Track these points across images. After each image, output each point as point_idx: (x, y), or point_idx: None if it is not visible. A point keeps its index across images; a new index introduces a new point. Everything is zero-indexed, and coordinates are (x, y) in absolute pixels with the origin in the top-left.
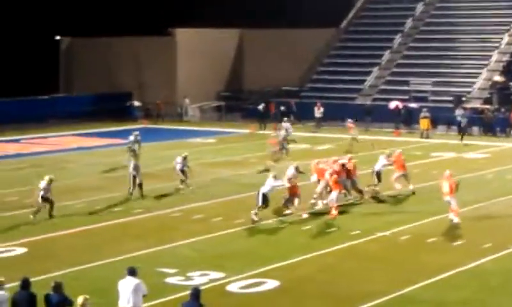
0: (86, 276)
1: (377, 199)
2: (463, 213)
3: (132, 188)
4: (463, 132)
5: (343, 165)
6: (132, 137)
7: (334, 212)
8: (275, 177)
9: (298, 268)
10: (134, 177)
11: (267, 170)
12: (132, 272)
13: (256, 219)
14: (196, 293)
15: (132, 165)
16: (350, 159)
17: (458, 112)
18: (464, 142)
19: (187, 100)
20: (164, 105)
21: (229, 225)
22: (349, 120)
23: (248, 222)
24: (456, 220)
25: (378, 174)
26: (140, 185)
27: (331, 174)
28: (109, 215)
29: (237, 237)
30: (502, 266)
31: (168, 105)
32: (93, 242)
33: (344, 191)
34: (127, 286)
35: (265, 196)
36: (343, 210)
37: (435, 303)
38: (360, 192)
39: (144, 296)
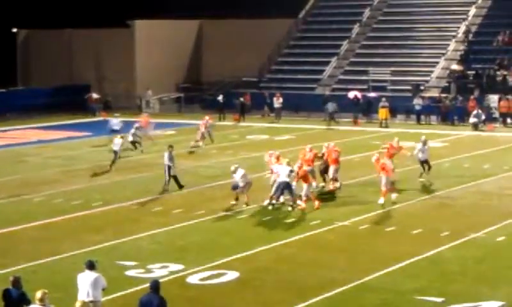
0: (44, 270)
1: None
2: (421, 202)
3: (167, 180)
4: (330, 117)
5: (316, 155)
6: (132, 130)
7: (303, 204)
8: (289, 163)
9: (258, 259)
10: (169, 168)
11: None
12: (91, 266)
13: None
14: (155, 285)
15: (166, 156)
16: (334, 146)
17: (416, 101)
18: (332, 127)
19: (149, 92)
20: (95, 98)
21: (189, 217)
22: (207, 117)
23: (207, 213)
24: (381, 201)
25: (424, 162)
26: (175, 177)
27: (300, 167)
28: (68, 208)
29: (197, 229)
30: (459, 254)
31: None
32: (52, 236)
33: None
34: (85, 279)
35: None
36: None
37: (393, 291)
38: (335, 180)
39: (103, 289)
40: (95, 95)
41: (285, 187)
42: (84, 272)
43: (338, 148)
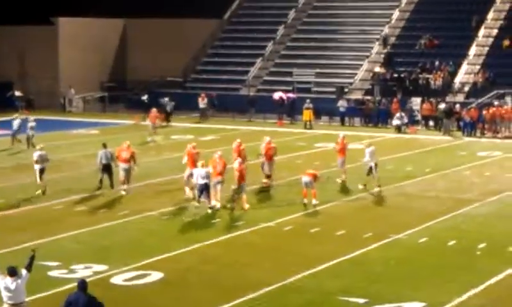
0: None
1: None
2: (345, 203)
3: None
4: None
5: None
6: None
7: (246, 205)
8: (203, 165)
9: (182, 260)
10: (108, 166)
11: None
12: (13, 272)
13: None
14: (83, 284)
15: (103, 155)
16: (269, 142)
17: (340, 103)
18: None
19: (72, 90)
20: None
21: (112, 217)
22: (154, 109)
23: (131, 213)
24: (306, 201)
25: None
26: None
27: (240, 164)
28: None
29: (120, 229)
30: (382, 254)
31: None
32: None
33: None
34: (8, 285)
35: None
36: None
37: (318, 292)
38: (268, 177)
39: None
40: (17, 93)
41: (204, 189)
42: (6, 278)
43: (274, 144)
